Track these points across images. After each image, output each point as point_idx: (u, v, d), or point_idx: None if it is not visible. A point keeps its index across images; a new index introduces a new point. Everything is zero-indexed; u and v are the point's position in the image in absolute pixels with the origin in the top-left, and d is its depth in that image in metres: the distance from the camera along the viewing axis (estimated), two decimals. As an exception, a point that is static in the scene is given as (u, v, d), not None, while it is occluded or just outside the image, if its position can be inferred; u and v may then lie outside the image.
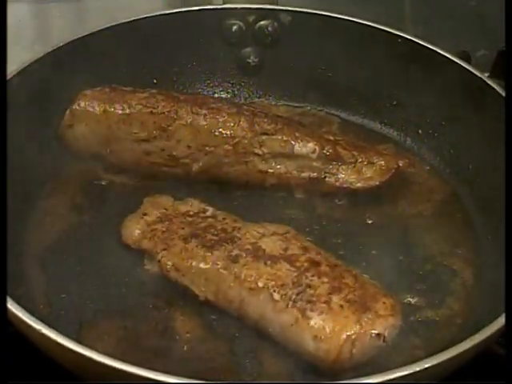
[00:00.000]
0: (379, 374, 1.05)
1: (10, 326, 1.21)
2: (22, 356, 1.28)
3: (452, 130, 1.69)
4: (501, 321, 1.14)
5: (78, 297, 1.37)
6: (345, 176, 1.56)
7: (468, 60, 1.82)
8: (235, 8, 1.82)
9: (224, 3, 1.85)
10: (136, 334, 1.31)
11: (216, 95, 1.87)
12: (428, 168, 1.69)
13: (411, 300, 1.38)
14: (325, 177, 1.56)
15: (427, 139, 1.73)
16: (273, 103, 1.87)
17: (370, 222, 1.55)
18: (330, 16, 1.79)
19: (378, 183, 1.55)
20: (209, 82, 1.87)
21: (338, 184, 1.56)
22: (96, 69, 1.70)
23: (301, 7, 1.82)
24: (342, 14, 1.79)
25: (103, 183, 1.61)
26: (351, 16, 1.78)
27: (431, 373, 1.07)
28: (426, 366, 1.06)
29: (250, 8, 1.82)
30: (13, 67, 1.52)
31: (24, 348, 1.25)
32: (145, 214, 1.46)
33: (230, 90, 1.88)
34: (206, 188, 1.59)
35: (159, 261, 1.36)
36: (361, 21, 1.77)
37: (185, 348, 1.29)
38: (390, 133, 1.79)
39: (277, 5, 1.86)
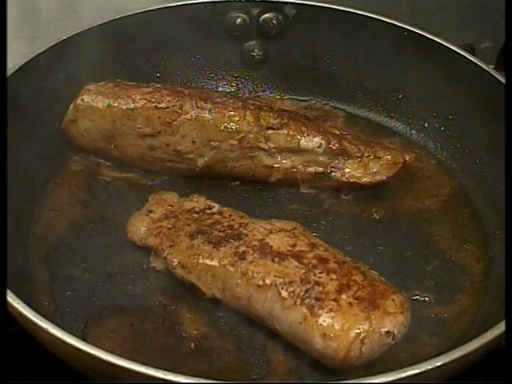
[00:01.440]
0: (391, 373, 1.04)
1: (15, 324, 1.21)
2: (25, 354, 1.28)
3: (459, 124, 1.67)
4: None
5: (84, 294, 1.36)
6: (351, 171, 1.55)
7: (472, 52, 1.80)
8: (239, 1, 1.80)
9: (228, -5, 1.83)
10: (143, 332, 1.30)
11: (220, 89, 1.85)
12: (435, 162, 1.68)
13: (420, 296, 1.36)
14: (331, 171, 1.55)
15: (433, 133, 1.72)
16: (277, 97, 1.86)
17: (376, 217, 1.54)
18: (335, 9, 1.78)
19: (384, 178, 1.54)
20: (213, 75, 1.86)
21: (344, 179, 1.55)
22: (99, 63, 1.69)
23: (305, 0, 1.80)
24: (346, 6, 1.77)
25: (107, 179, 1.60)
26: (355, 8, 1.77)
27: (443, 371, 1.06)
28: (438, 364, 1.05)
29: (254, 1, 1.80)
30: (13, 60, 1.50)
31: (27, 346, 1.25)
32: (150, 211, 1.45)
33: (234, 84, 1.87)
34: (210, 183, 1.58)
35: (165, 258, 1.35)
36: (366, 13, 1.75)
37: (192, 346, 1.28)
38: (396, 126, 1.77)
39: (281, -3, 1.84)
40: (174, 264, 1.34)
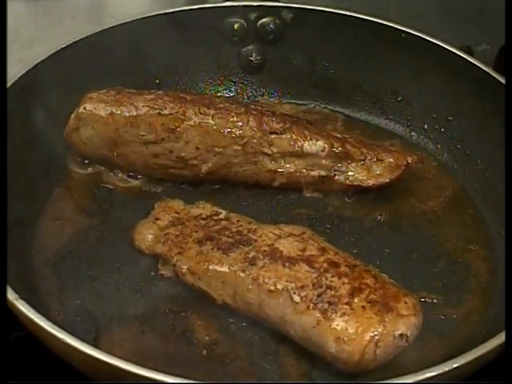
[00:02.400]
0: (410, 375, 1.06)
1: (17, 331, 1.23)
2: (28, 360, 1.29)
3: (459, 125, 1.68)
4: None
5: (93, 303, 1.35)
6: (354, 174, 1.55)
7: (470, 55, 1.81)
8: (237, 6, 1.80)
9: (225, 1, 1.83)
10: (154, 339, 1.29)
11: (219, 94, 1.85)
12: (435, 164, 1.69)
13: (428, 298, 1.37)
14: (334, 175, 1.55)
15: (434, 135, 1.73)
16: (276, 101, 1.85)
17: (381, 219, 1.54)
18: (332, 12, 1.78)
19: (388, 180, 1.54)
20: (211, 80, 1.86)
21: (347, 182, 1.55)
22: (97, 70, 1.69)
23: (302, 3, 1.80)
24: (343, 9, 1.77)
25: (110, 186, 1.59)
26: (352, 11, 1.77)
27: (459, 372, 1.08)
28: (455, 365, 1.06)
29: (251, 5, 1.80)
30: (11, 66, 1.49)
31: (29, 352, 1.26)
32: (157, 219, 1.45)
33: (232, 89, 1.87)
34: (214, 189, 1.59)
35: (174, 265, 1.35)
36: (364, 16, 1.76)
37: (204, 352, 1.28)
38: (396, 129, 1.78)
39: (278, 2, 1.85)
40: (184, 271, 1.34)
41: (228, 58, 1.85)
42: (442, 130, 1.71)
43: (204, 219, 1.42)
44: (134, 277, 1.39)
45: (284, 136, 1.54)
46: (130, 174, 1.59)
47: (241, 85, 1.87)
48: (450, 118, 1.70)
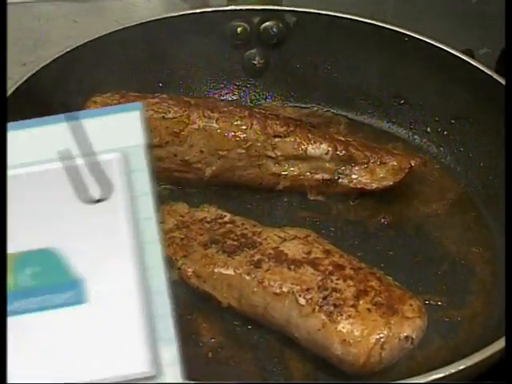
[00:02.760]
0: (415, 377, 1.06)
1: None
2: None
3: (461, 128, 1.69)
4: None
5: (98, 306, 1.35)
6: (358, 177, 1.56)
7: (472, 58, 1.81)
8: (240, 9, 1.80)
9: (228, 5, 1.84)
10: (159, 342, 1.29)
11: (222, 98, 1.85)
12: (438, 167, 1.69)
13: (432, 301, 1.37)
14: (338, 178, 1.56)
15: (436, 138, 1.73)
16: (279, 105, 1.86)
17: (384, 222, 1.55)
18: (335, 16, 1.78)
19: (391, 183, 1.55)
20: (214, 84, 1.86)
21: (351, 185, 1.56)
22: (101, 74, 1.69)
23: (305, 7, 1.80)
24: (347, 13, 1.78)
25: (114, 190, 1.59)
26: (355, 15, 1.78)
27: (466, 373, 1.08)
28: (461, 367, 1.07)
29: (254, 9, 1.80)
30: (13, 70, 1.50)
31: None
32: (161, 222, 1.44)
33: (235, 92, 1.87)
34: (218, 192, 1.59)
35: (179, 268, 1.35)
36: (366, 20, 1.76)
37: (209, 355, 1.28)
38: (398, 132, 1.78)
39: (281, 5, 1.85)
40: (189, 274, 1.34)
41: (231, 61, 1.85)
42: (445, 132, 1.72)
43: (209, 222, 1.42)
44: (139, 280, 1.39)
45: (288, 139, 1.54)
46: (134, 177, 1.59)
47: (244, 88, 1.88)
48: (452, 121, 1.70)
